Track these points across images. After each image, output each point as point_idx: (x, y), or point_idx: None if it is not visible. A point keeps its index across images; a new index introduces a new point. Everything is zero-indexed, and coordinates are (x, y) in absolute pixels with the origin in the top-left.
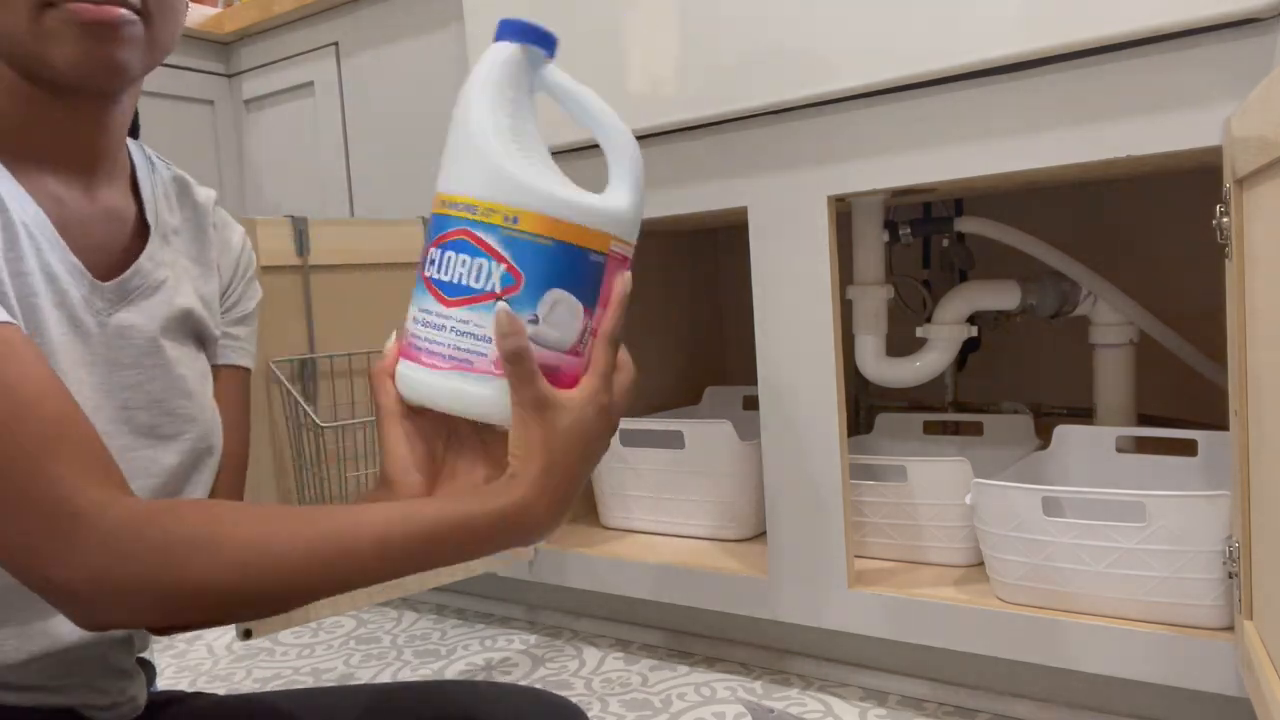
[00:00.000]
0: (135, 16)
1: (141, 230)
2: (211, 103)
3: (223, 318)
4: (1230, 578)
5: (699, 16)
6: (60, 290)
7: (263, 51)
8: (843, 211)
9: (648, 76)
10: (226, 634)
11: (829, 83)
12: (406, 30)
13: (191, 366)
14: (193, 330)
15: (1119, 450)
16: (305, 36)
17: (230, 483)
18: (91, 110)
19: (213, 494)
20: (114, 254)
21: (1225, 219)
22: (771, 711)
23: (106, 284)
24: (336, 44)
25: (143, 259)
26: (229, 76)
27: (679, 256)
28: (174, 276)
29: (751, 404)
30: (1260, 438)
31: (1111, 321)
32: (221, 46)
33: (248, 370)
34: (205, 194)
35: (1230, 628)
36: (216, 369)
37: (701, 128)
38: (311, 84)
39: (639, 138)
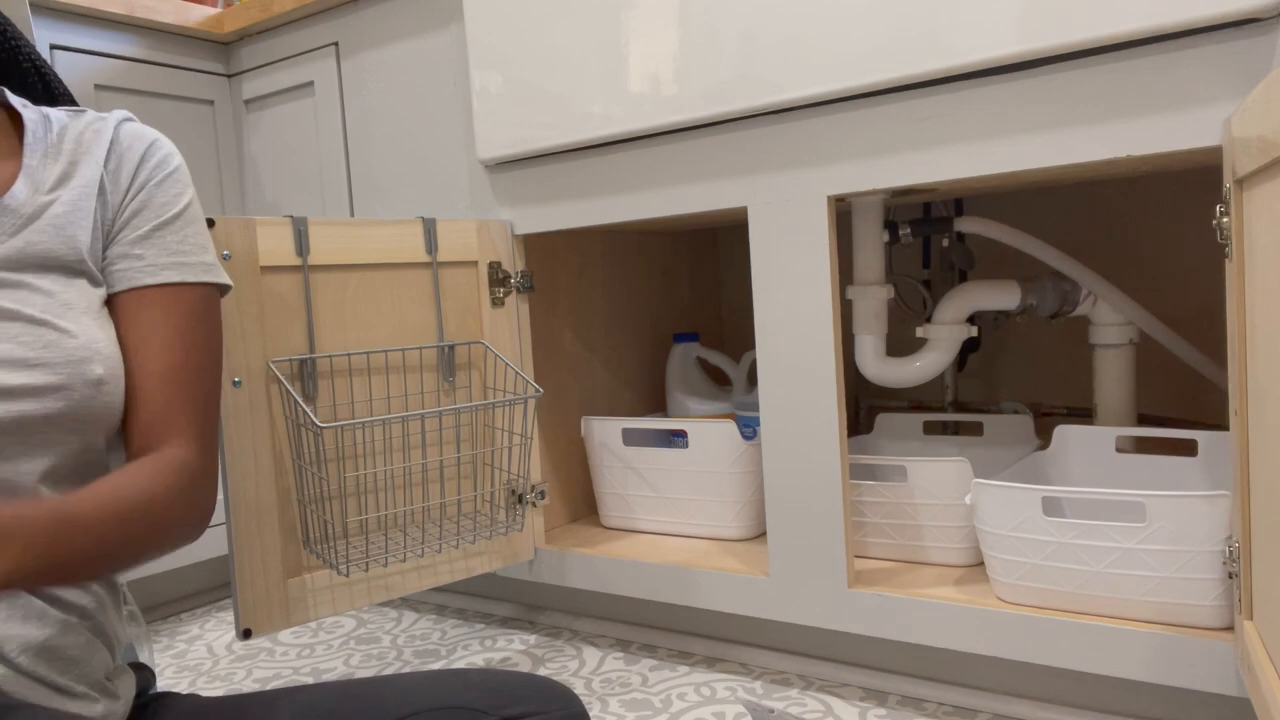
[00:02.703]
0: None
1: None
2: (211, 103)
3: (122, 234)
4: (1230, 578)
5: (699, 16)
6: None
7: (263, 51)
8: (843, 211)
9: (648, 76)
10: (227, 634)
11: (829, 83)
12: (406, 30)
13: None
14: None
15: (1119, 450)
16: (305, 36)
17: (160, 399)
18: None
19: (133, 421)
20: None
21: (1225, 219)
22: (771, 711)
23: None
24: (336, 44)
25: None
26: (229, 76)
27: (679, 256)
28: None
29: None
30: (1260, 438)
31: (1111, 321)
32: (221, 46)
33: (165, 287)
34: (88, 122)
35: (1230, 628)
36: (118, 299)
37: (701, 128)
38: (311, 84)
39: (639, 138)
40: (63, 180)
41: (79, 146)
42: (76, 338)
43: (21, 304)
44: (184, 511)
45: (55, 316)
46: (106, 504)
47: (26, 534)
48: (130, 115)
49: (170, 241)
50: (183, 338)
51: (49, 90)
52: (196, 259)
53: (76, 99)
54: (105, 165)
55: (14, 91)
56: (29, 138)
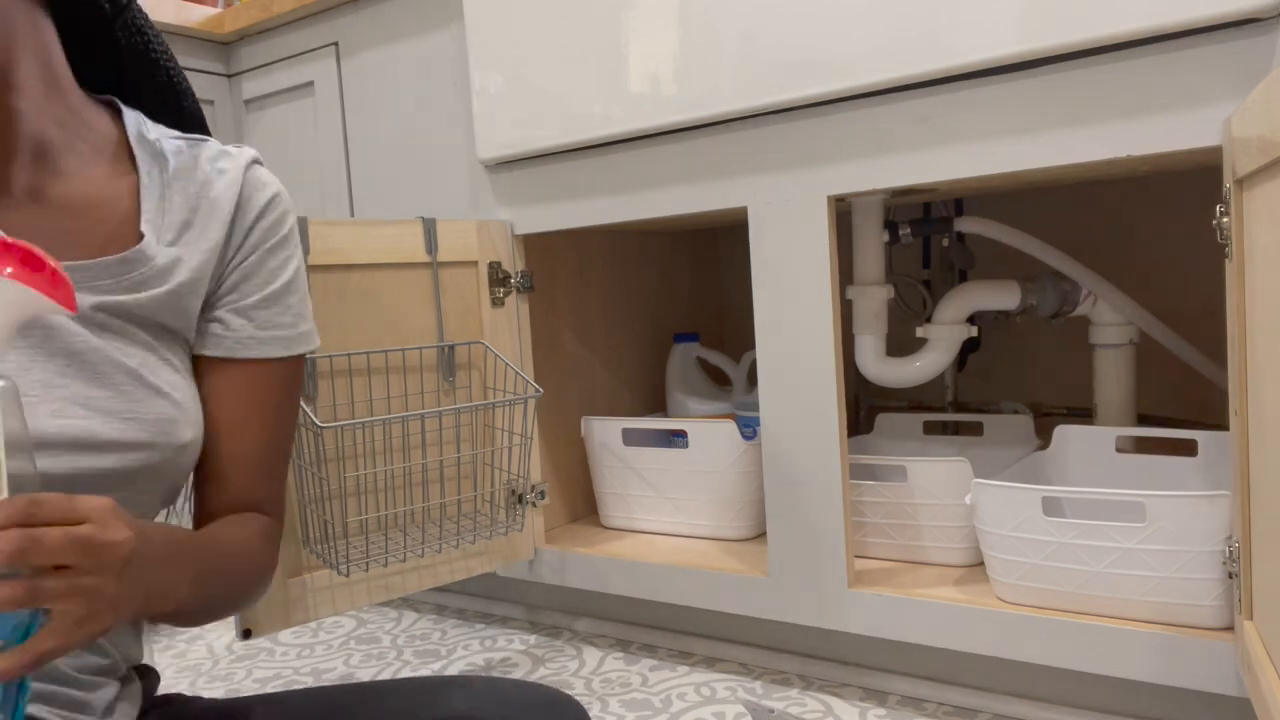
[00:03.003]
0: None
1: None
2: (211, 103)
3: (226, 299)
4: (1230, 578)
5: (699, 16)
6: None
7: (263, 51)
8: (843, 211)
9: (648, 76)
10: (227, 634)
11: (829, 83)
12: (406, 30)
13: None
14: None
15: (1119, 450)
16: (305, 36)
17: (254, 481)
18: None
19: (220, 496)
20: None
21: (1225, 219)
22: (771, 711)
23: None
24: (336, 44)
25: None
26: (229, 76)
27: (679, 256)
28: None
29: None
30: (1260, 438)
31: (1111, 321)
32: (221, 46)
33: (266, 362)
34: (211, 160)
35: (1230, 628)
36: (208, 361)
37: (701, 128)
38: (311, 84)
39: (640, 138)
40: (183, 231)
41: (201, 192)
42: (168, 396)
43: (124, 355)
44: (271, 570)
45: (151, 372)
46: (237, 545)
47: (194, 563)
48: (258, 157)
49: (272, 314)
50: (276, 412)
51: (179, 107)
52: (295, 330)
53: None
54: (231, 225)
55: (150, 105)
56: (144, 179)
